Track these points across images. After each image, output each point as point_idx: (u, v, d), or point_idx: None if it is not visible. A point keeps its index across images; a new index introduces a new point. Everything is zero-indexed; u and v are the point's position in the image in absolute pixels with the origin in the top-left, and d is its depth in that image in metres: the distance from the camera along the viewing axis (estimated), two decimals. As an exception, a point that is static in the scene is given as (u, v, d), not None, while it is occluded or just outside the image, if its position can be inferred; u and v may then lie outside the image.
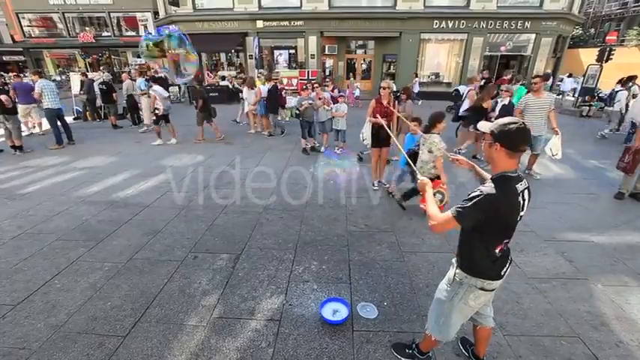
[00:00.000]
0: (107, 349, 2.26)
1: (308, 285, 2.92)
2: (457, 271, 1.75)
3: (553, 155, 4.99)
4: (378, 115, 4.45)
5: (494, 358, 2.20)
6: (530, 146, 5.22)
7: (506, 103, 5.59)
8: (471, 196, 1.54)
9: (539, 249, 3.49)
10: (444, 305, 1.81)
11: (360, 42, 17.18)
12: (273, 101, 8.27)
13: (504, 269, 1.71)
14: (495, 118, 5.58)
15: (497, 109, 5.68)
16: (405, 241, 3.63)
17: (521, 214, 1.59)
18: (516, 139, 1.50)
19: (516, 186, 1.53)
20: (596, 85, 12.12)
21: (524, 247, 3.48)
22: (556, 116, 5.26)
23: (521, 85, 8.87)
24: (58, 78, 21.06)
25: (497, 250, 1.62)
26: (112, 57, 22.67)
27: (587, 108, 11.84)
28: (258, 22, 15.27)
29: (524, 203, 1.57)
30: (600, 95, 12.43)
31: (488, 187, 1.52)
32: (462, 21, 14.55)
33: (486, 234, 1.61)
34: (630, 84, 9.09)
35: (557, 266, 3.19)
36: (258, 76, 11.29)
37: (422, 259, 3.30)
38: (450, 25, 14.69)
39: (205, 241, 3.63)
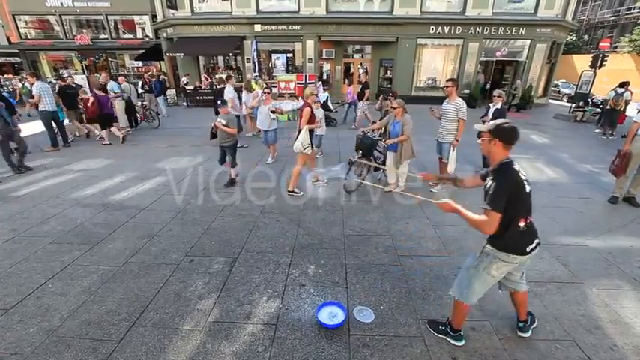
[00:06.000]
0: (101, 353, 2.24)
1: (304, 289, 2.91)
2: (486, 244, 2.03)
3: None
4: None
5: (490, 361, 2.20)
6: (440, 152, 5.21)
7: (499, 107, 5.67)
8: (488, 187, 1.86)
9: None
10: (469, 270, 2.09)
11: (358, 47, 17.26)
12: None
13: (530, 246, 1.93)
14: (490, 121, 5.68)
15: (490, 112, 5.75)
16: (401, 244, 3.64)
17: (529, 188, 1.87)
18: (511, 136, 1.87)
19: (513, 167, 1.86)
20: (589, 90, 12.29)
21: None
22: (462, 127, 4.81)
23: None
24: (54, 80, 20.95)
25: (521, 225, 1.88)
26: (109, 59, 22.59)
27: (581, 113, 12.03)
28: (256, 26, 15.31)
29: (526, 178, 1.88)
30: (594, 100, 12.61)
31: (497, 173, 1.86)
32: (458, 27, 14.70)
33: (509, 210, 1.81)
34: (622, 90, 9.21)
35: (552, 270, 3.21)
36: (255, 80, 11.32)
37: (418, 262, 3.31)
38: (447, 31, 14.83)
39: (201, 245, 3.61)
